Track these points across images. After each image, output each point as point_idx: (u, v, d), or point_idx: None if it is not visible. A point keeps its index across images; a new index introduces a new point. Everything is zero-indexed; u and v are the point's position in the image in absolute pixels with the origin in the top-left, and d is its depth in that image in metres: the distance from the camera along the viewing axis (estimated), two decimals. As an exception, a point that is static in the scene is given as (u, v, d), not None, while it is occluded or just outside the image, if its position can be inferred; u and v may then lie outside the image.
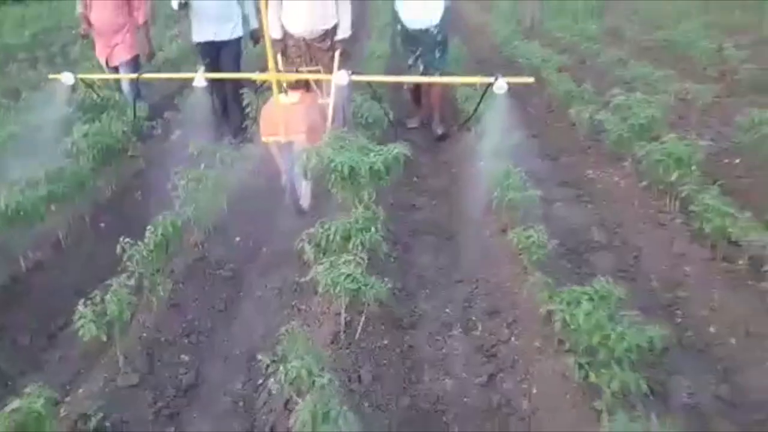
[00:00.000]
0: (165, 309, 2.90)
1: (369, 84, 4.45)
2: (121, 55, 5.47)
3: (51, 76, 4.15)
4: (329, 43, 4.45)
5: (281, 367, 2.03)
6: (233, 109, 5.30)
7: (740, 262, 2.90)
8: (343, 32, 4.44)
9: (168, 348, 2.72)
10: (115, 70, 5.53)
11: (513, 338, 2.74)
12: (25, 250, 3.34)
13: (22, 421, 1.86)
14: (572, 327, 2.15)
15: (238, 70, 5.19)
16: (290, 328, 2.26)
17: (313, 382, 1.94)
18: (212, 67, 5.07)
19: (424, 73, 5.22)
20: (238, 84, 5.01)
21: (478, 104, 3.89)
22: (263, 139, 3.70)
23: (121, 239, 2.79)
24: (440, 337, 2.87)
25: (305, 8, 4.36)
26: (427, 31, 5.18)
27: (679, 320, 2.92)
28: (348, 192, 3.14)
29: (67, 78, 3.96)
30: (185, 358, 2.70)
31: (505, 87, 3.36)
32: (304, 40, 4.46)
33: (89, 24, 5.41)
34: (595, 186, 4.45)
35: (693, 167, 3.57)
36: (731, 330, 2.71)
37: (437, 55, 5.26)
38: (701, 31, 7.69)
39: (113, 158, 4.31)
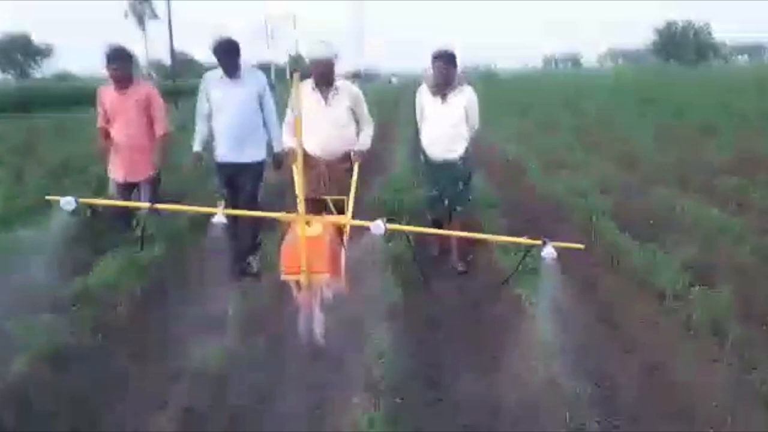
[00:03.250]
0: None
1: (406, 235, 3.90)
2: (142, 172, 5.26)
3: (48, 197, 3.55)
4: (349, 164, 4.51)
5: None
6: (248, 230, 4.95)
7: (624, 265, 4.87)
8: (362, 145, 4.53)
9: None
10: (130, 187, 5.33)
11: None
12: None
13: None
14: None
15: (256, 194, 4.99)
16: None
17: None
18: (230, 189, 4.96)
19: (447, 207, 5.13)
20: (255, 202, 4.90)
21: (518, 265, 3.62)
22: (283, 277, 3.49)
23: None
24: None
25: (324, 131, 4.45)
26: (452, 163, 5.05)
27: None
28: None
29: (66, 203, 3.36)
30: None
31: (554, 254, 3.10)
32: (323, 161, 4.52)
33: (107, 138, 5.26)
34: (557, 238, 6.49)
35: (604, 212, 5.68)
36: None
37: (461, 187, 5.11)
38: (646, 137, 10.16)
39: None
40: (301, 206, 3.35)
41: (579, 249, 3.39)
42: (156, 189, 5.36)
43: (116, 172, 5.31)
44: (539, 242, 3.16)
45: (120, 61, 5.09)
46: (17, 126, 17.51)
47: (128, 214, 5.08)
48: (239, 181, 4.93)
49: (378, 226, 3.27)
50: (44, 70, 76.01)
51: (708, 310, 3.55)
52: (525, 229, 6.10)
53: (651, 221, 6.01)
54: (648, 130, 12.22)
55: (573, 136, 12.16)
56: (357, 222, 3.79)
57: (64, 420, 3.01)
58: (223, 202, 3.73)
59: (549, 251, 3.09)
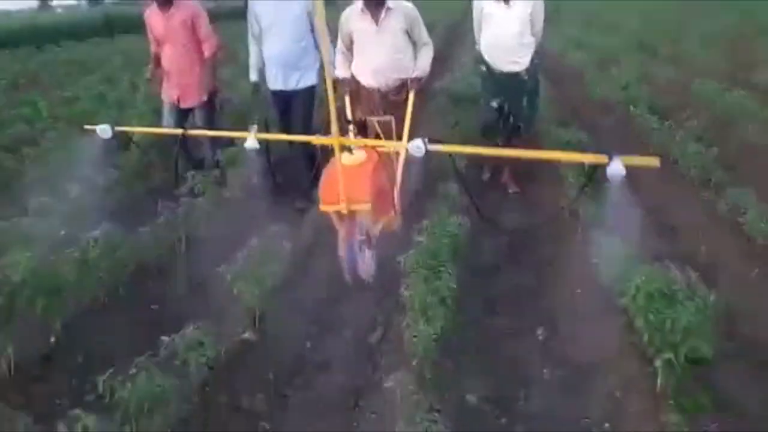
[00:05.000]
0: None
1: (449, 156, 3.46)
2: (195, 97, 5.08)
3: (87, 126, 3.73)
4: (405, 94, 4.03)
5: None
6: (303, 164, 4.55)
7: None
8: (419, 71, 4.12)
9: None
10: (184, 113, 5.14)
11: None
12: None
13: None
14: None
15: (309, 121, 4.76)
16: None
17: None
18: (282, 118, 4.83)
19: (511, 124, 4.77)
20: (308, 129, 4.59)
21: (584, 187, 3.29)
22: (321, 208, 3.26)
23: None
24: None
25: (376, 57, 4.08)
26: (516, 75, 4.68)
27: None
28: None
29: (103, 131, 3.57)
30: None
31: (622, 171, 2.56)
32: (378, 91, 4.15)
33: (158, 64, 5.15)
34: (596, 123, 7.43)
35: (640, 102, 6.61)
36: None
37: (525, 102, 4.76)
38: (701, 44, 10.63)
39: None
40: (334, 127, 2.94)
41: (653, 167, 2.65)
42: (211, 115, 5.19)
43: (168, 93, 5.14)
44: (605, 159, 2.59)
45: None
46: (111, 50, 19.07)
47: (189, 144, 5.02)
48: (291, 108, 4.75)
49: (418, 148, 2.87)
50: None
51: (700, 164, 4.61)
52: (571, 120, 7.21)
53: (686, 113, 6.85)
54: (709, 33, 12.51)
55: (632, 39, 12.60)
56: (392, 144, 3.50)
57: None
58: (255, 126, 3.53)
59: (616, 169, 2.54)
